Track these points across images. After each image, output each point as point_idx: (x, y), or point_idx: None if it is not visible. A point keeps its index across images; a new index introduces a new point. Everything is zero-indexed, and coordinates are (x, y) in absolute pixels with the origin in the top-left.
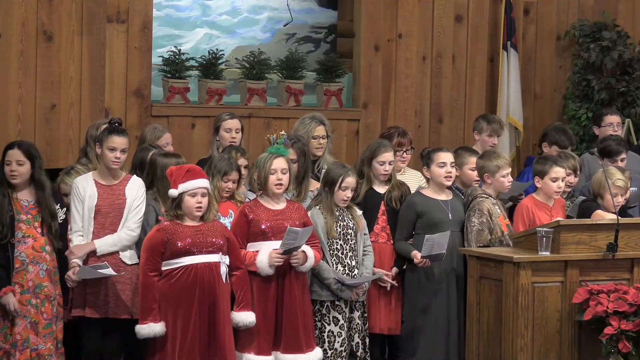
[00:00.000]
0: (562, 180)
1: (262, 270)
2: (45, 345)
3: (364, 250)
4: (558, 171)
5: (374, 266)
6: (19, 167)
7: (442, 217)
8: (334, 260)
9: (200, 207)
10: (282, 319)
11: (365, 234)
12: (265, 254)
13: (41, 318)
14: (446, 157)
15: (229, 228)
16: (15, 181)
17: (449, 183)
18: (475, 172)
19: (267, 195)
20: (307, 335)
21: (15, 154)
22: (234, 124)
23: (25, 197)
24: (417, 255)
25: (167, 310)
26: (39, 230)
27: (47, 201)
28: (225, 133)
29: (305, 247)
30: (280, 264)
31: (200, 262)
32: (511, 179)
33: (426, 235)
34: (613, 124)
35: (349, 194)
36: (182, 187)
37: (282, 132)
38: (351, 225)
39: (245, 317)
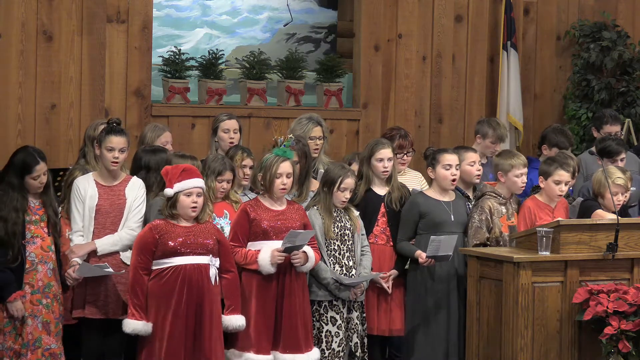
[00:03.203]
0: (565, 184)
1: (264, 268)
2: (57, 344)
3: (361, 250)
4: (562, 175)
5: (374, 268)
6: (44, 176)
7: (444, 218)
8: (331, 260)
9: (195, 207)
10: (281, 319)
11: (362, 234)
12: (267, 252)
13: (52, 317)
14: (452, 159)
15: (225, 229)
16: (40, 190)
17: (454, 185)
18: (475, 167)
19: (270, 196)
20: (306, 335)
21: (44, 168)
22: (232, 124)
23: (32, 198)
24: (422, 255)
25: (154, 309)
26: (46, 230)
27: (52, 201)
28: (223, 134)
29: (306, 248)
30: (282, 261)
31: (189, 263)
32: (525, 180)
33: (431, 237)
34: (611, 134)
35: (347, 195)
36: (178, 186)
37: (291, 135)
38: (348, 226)
39: (235, 320)
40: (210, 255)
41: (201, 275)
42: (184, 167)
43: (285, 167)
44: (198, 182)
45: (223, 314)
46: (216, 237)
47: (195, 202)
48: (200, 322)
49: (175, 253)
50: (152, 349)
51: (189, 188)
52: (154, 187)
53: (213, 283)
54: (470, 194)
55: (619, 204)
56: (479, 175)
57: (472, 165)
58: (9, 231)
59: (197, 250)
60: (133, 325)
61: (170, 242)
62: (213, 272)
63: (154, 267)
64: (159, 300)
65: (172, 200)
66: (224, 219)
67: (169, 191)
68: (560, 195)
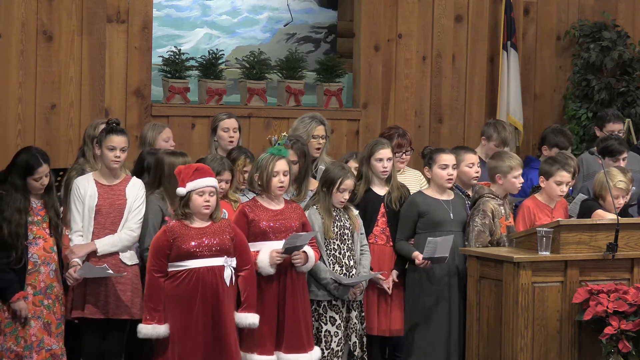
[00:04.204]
0: (567, 185)
1: (263, 269)
2: (58, 344)
3: (360, 250)
4: (564, 175)
5: (373, 268)
6: (46, 178)
7: (443, 216)
8: (331, 260)
9: (208, 206)
10: (284, 319)
11: (362, 234)
12: (265, 253)
13: (53, 318)
14: (448, 159)
15: (235, 227)
16: (42, 192)
17: (450, 185)
18: (473, 169)
19: (268, 196)
20: (308, 334)
21: (46, 169)
22: (231, 123)
23: (34, 198)
24: (418, 256)
25: (169, 311)
26: (48, 231)
27: (54, 202)
28: (223, 133)
29: (306, 247)
30: (281, 262)
31: (204, 265)
32: (522, 180)
33: (428, 238)
34: (614, 132)
35: (346, 195)
36: (190, 185)
37: (284, 134)
38: (347, 225)
39: (247, 318)
40: (225, 256)
41: (215, 277)
42: (196, 166)
43: (281, 165)
44: (210, 181)
45: (237, 311)
46: (231, 234)
47: (208, 201)
48: (219, 324)
49: (190, 255)
50: (167, 352)
51: (201, 187)
52: (147, 186)
53: (228, 284)
54: (471, 194)
55: (619, 207)
56: (476, 177)
57: (471, 167)
58: (12, 232)
59: (211, 252)
60: (144, 330)
61: (184, 245)
62: (228, 273)
63: (169, 269)
64: (172, 302)
65: (185, 200)
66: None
67: (181, 190)
68: (561, 196)
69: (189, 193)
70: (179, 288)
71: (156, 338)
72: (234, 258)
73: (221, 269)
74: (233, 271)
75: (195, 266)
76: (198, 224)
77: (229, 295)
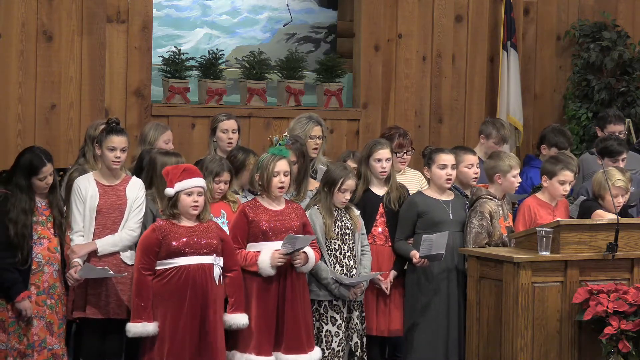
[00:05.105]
0: (569, 184)
1: (264, 270)
2: (60, 344)
3: (361, 250)
4: (567, 175)
5: (372, 268)
6: (50, 177)
7: (443, 216)
8: (332, 260)
9: (196, 206)
10: (283, 320)
11: (362, 234)
12: (267, 254)
13: (56, 318)
14: (447, 159)
15: (222, 228)
16: (46, 191)
17: (449, 185)
18: (472, 170)
19: (268, 196)
20: (308, 335)
21: (50, 169)
22: (231, 124)
23: (38, 198)
24: (415, 255)
25: (158, 310)
26: (52, 230)
27: (58, 201)
28: (222, 134)
29: (307, 248)
30: (282, 264)
31: (193, 263)
32: (520, 180)
33: (423, 236)
34: (615, 133)
35: (347, 196)
36: (179, 186)
37: (285, 134)
38: (349, 226)
39: (238, 319)
40: (214, 254)
41: (205, 275)
42: (184, 167)
43: (282, 165)
44: (198, 182)
45: (226, 312)
46: (219, 235)
47: (196, 202)
48: (205, 323)
49: (179, 253)
50: (154, 350)
51: (189, 187)
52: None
53: (217, 283)
54: (470, 194)
55: (618, 206)
56: (475, 177)
57: (470, 168)
58: (18, 233)
59: (200, 251)
60: (133, 329)
61: (173, 243)
62: (217, 271)
63: (157, 267)
64: (161, 300)
65: (173, 200)
66: (221, 219)
67: (169, 191)
68: (564, 195)
69: (177, 193)
70: (168, 285)
71: (145, 336)
72: (222, 258)
73: (210, 267)
74: (221, 270)
75: (185, 263)
76: (186, 223)
77: (217, 294)
